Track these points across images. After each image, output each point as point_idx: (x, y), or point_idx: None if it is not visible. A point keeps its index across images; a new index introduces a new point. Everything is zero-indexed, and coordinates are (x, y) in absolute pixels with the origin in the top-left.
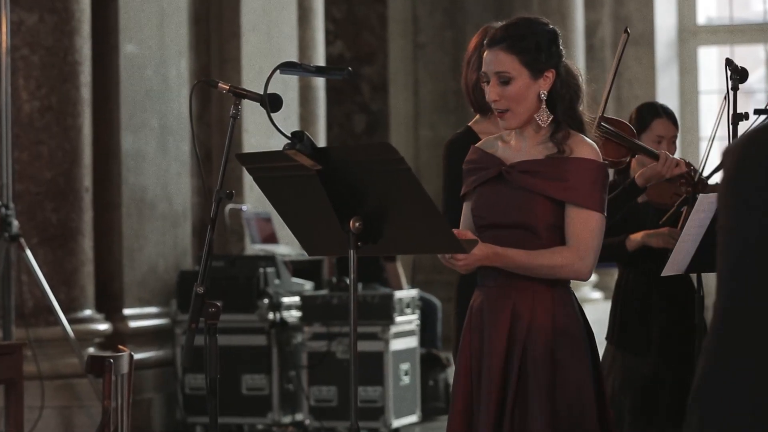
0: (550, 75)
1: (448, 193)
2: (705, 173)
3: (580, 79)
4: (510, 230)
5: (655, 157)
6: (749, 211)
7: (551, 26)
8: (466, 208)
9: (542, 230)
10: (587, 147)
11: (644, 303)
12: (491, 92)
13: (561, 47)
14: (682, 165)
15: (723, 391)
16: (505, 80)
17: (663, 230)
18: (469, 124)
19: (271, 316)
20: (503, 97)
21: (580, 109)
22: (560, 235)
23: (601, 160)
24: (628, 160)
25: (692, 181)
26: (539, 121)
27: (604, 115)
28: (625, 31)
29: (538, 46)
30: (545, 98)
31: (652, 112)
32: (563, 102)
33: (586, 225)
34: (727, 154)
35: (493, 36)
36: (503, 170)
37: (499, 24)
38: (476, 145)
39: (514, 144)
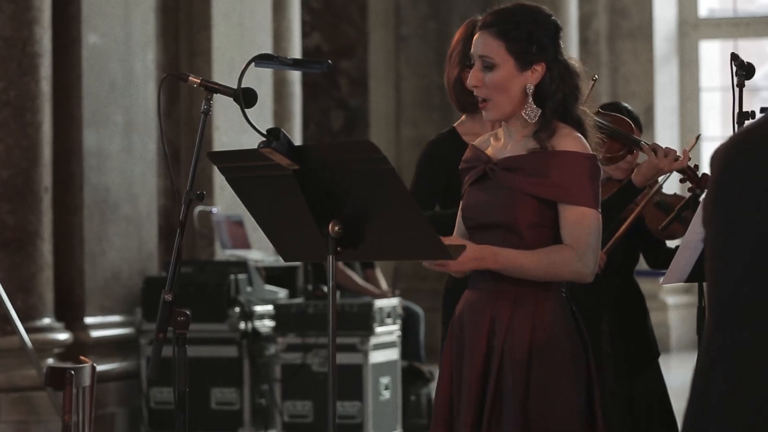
0: (540, 69)
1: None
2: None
3: (581, 79)
4: (493, 231)
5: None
6: (743, 217)
7: (554, 18)
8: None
9: (525, 230)
10: (571, 139)
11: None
12: (472, 76)
13: (560, 42)
14: (683, 159)
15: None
16: (488, 65)
17: None
18: (454, 125)
19: (242, 325)
20: (484, 83)
21: (579, 109)
22: (546, 235)
23: (589, 152)
24: (622, 154)
25: (695, 177)
26: (526, 117)
27: (600, 110)
28: (593, 78)
29: (530, 36)
30: (531, 92)
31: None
32: (553, 99)
33: (580, 223)
34: (713, 159)
35: (485, 18)
36: (488, 168)
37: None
38: (473, 143)
39: (502, 140)
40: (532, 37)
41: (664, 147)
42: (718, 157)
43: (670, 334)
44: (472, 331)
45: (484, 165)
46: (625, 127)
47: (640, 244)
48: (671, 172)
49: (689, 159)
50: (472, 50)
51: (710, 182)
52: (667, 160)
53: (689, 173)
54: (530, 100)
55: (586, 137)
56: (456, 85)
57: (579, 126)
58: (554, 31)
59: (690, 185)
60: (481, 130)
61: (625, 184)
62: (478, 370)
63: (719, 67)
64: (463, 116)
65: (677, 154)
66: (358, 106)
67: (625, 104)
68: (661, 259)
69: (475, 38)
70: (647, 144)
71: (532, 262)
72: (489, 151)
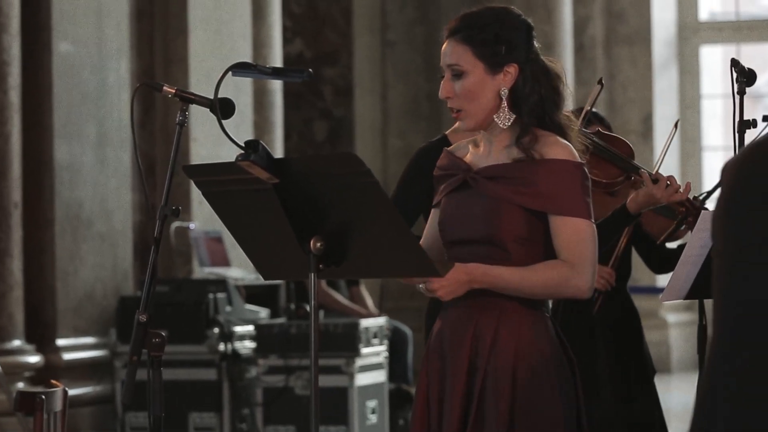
0: (512, 70)
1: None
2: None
3: (560, 80)
4: (476, 245)
5: (654, 180)
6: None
7: (522, 18)
8: (433, 216)
9: (510, 244)
10: (558, 147)
11: (584, 336)
12: (442, 88)
13: (533, 41)
14: (684, 191)
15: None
16: (458, 74)
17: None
18: (446, 132)
19: (222, 347)
20: (455, 94)
21: (559, 112)
22: (532, 250)
23: (577, 160)
24: (621, 180)
25: (694, 211)
26: (498, 122)
27: (599, 130)
28: (600, 82)
29: (497, 37)
30: (506, 96)
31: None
32: (528, 102)
33: (576, 235)
34: (725, 170)
35: (451, 25)
36: (468, 178)
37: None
38: (448, 149)
39: (482, 148)
40: (500, 37)
41: (666, 176)
42: (730, 170)
43: (670, 353)
44: (453, 350)
45: (463, 174)
46: (625, 151)
47: (642, 250)
48: (669, 203)
49: (690, 191)
50: (441, 61)
51: (721, 195)
52: (667, 192)
53: (688, 206)
54: (504, 104)
55: (570, 142)
56: None
57: (561, 131)
58: (525, 30)
59: (688, 218)
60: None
61: (619, 209)
62: (461, 392)
63: (721, 74)
64: (457, 123)
65: (678, 185)
66: (342, 116)
67: (594, 110)
68: (663, 264)
69: (443, 48)
70: (648, 172)
71: (528, 281)
72: (468, 159)
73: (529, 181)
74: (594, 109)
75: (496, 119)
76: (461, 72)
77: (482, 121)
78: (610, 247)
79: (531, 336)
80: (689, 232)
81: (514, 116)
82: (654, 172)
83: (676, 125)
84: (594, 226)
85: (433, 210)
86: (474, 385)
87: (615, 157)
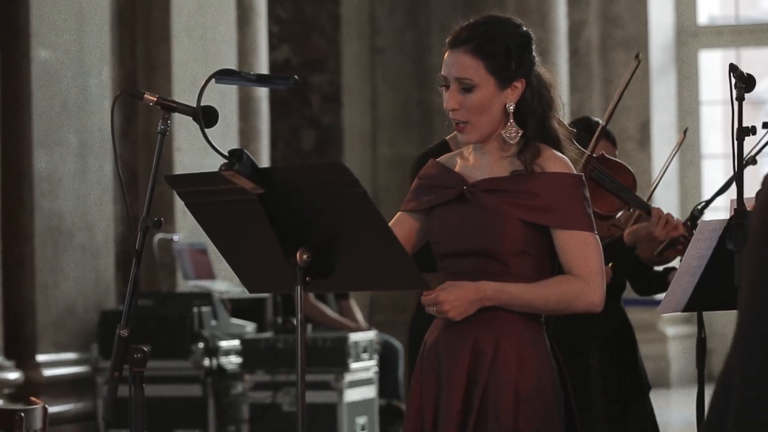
0: (520, 85)
1: None
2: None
3: (554, 90)
4: (469, 258)
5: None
6: None
7: (525, 28)
8: (400, 218)
9: (509, 258)
10: (557, 160)
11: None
12: (450, 100)
13: (534, 53)
14: (680, 227)
15: None
16: (468, 87)
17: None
18: (446, 138)
19: (207, 362)
20: (464, 106)
21: (555, 122)
22: (531, 263)
23: (575, 172)
24: (619, 215)
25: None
26: (507, 138)
27: (603, 153)
28: (636, 57)
29: (508, 51)
30: (512, 111)
31: (590, 132)
32: (534, 116)
33: (584, 249)
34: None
35: (456, 35)
36: (465, 190)
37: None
38: (437, 160)
39: (472, 160)
40: (510, 51)
41: (666, 214)
42: None
43: (669, 367)
44: (450, 365)
45: (460, 186)
46: (628, 181)
47: (626, 270)
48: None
49: (686, 228)
50: (444, 71)
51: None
52: (666, 230)
53: (683, 243)
54: (511, 120)
55: (562, 152)
56: None
57: (556, 142)
58: (528, 42)
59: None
60: None
61: (615, 240)
62: (457, 406)
63: (720, 79)
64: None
65: (676, 220)
66: (330, 124)
67: (597, 119)
68: (649, 284)
69: (446, 57)
70: (647, 206)
71: (540, 297)
72: (458, 171)
73: (529, 194)
74: (603, 122)
75: (504, 135)
76: (472, 86)
77: (485, 135)
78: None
79: (532, 347)
80: (679, 258)
81: (521, 131)
82: (655, 209)
83: (684, 133)
84: (598, 237)
85: (401, 214)
86: (473, 400)
87: (617, 188)
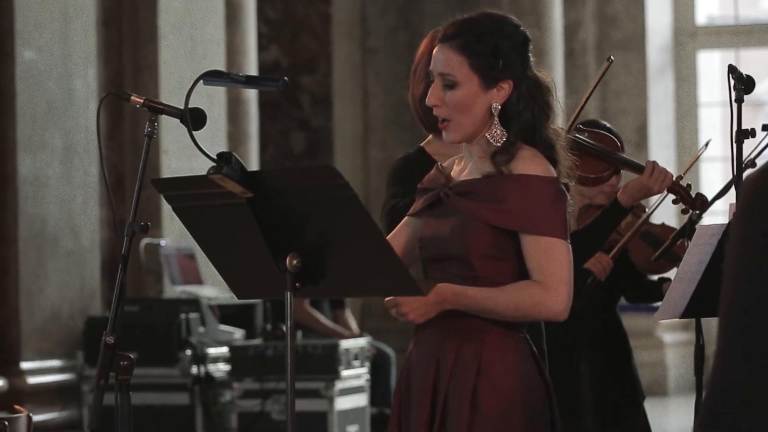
0: (507, 86)
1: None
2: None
3: (551, 94)
4: (448, 263)
5: (641, 170)
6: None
7: (522, 29)
8: (405, 223)
9: (476, 262)
10: (531, 162)
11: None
12: (432, 95)
13: (529, 55)
14: (669, 177)
15: None
16: (450, 84)
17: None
18: (421, 144)
19: (194, 370)
20: (445, 103)
21: (549, 128)
22: (502, 269)
23: (549, 175)
24: (609, 174)
25: (688, 198)
26: (491, 140)
27: (580, 126)
28: (608, 59)
29: (496, 50)
30: (497, 112)
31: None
32: (519, 120)
33: (548, 255)
34: (748, 183)
35: (446, 30)
36: (442, 193)
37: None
38: (441, 163)
39: (462, 163)
40: (498, 51)
41: (650, 162)
42: (752, 183)
43: (667, 374)
44: (418, 373)
45: (439, 189)
46: (611, 145)
47: (622, 276)
48: (662, 193)
49: (681, 178)
50: (431, 66)
51: (740, 206)
52: (660, 182)
53: (682, 193)
54: (496, 121)
55: (557, 160)
56: (422, 103)
57: (549, 148)
58: (522, 43)
59: (683, 206)
60: (451, 151)
61: (610, 204)
62: (425, 416)
63: (719, 80)
64: (430, 136)
65: (663, 168)
66: (321, 127)
67: (604, 122)
68: (641, 292)
69: (434, 52)
70: (639, 163)
71: (498, 303)
72: (453, 174)
73: (497, 197)
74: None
75: (488, 137)
76: (454, 83)
77: (468, 135)
78: (613, 239)
79: (497, 355)
80: (675, 268)
81: (506, 133)
82: (647, 161)
83: (706, 145)
84: (569, 244)
85: (406, 219)
86: (436, 409)
87: (601, 152)
